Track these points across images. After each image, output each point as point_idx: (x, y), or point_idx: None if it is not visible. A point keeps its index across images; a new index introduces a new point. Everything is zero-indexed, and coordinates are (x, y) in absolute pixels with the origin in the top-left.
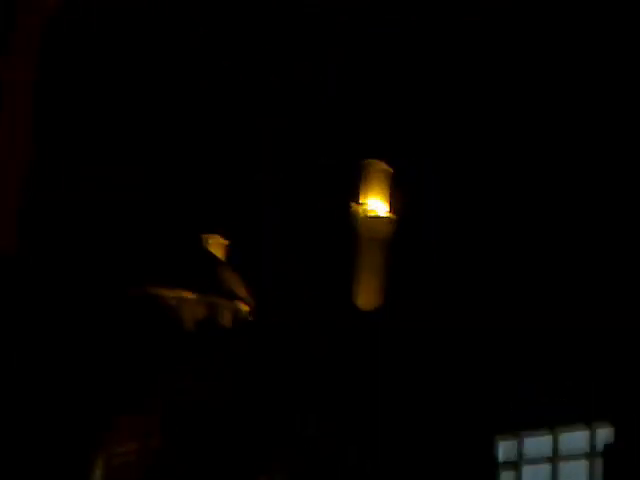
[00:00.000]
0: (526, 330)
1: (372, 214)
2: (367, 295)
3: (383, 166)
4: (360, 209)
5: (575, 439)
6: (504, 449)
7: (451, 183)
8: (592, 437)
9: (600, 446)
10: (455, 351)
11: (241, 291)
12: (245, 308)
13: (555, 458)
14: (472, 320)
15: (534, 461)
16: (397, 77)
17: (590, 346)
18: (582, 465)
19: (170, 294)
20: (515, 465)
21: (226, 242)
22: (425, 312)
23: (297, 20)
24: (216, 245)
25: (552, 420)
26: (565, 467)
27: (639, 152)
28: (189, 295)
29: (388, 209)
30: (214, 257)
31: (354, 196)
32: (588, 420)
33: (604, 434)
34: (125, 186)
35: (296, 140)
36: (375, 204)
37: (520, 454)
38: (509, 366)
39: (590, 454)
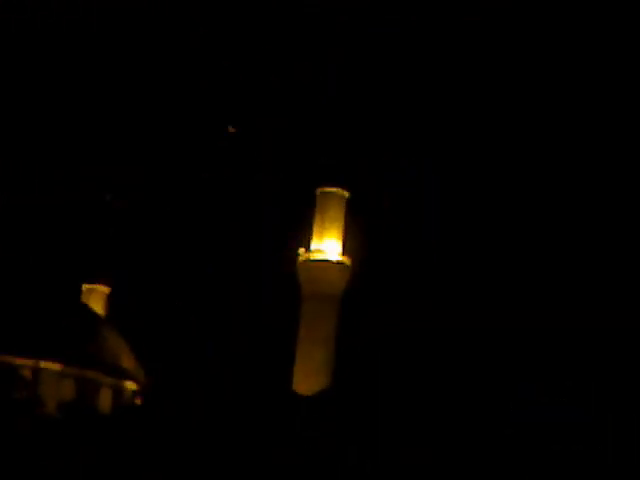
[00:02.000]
0: (526, 330)
1: (320, 257)
2: (308, 377)
3: (339, 193)
4: (306, 256)
5: None
6: None
7: (451, 184)
8: None
9: None
10: (455, 351)
11: (128, 362)
12: (131, 386)
13: None
14: (472, 320)
15: None
16: (396, 77)
17: (590, 346)
18: None
19: (25, 363)
20: None
21: (108, 291)
22: (425, 312)
23: (297, 20)
24: (98, 296)
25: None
26: None
27: (639, 153)
28: (52, 366)
29: (341, 251)
30: (94, 315)
31: (301, 239)
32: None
33: None
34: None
35: (296, 140)
36: (327, 246)
37: None
38: (509, 366)
39: None
